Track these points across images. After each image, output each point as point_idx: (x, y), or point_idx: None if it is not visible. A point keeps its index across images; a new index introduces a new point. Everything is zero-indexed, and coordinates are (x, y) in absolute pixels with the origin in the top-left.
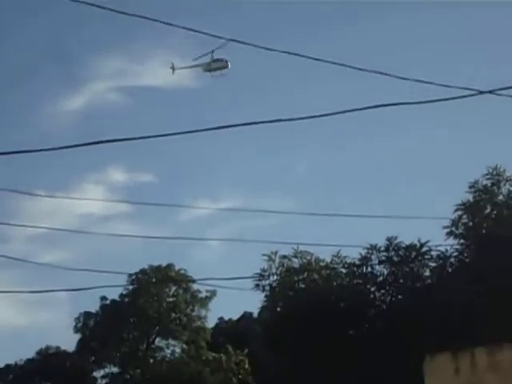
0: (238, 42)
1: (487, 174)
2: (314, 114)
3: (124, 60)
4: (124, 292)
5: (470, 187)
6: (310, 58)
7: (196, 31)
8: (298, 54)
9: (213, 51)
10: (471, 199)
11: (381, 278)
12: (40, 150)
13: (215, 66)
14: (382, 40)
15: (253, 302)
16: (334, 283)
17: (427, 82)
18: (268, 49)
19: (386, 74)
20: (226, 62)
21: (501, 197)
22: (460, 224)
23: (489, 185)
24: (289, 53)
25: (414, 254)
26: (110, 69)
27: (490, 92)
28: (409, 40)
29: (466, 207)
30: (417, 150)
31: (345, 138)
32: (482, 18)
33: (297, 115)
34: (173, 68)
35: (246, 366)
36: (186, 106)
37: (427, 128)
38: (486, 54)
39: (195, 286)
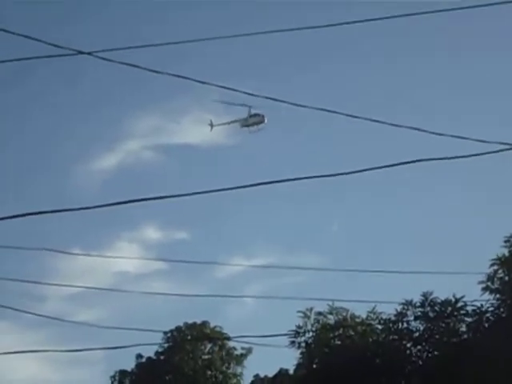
0: (272, 99)
1: None
2: (346, 170)
3: (159, 118)
4: (159, 350)
5: (506, 241)
6: (344, 114)
7: (231, 89)
8: (331, 111)
9: (250, 106)
10: (506, 253)
11: (417, 334)
12: (75, 209)
13: (252, 121)
14: (414, 95)
15: (288, 359)
16: (370, 339)
17: (463, 138)
18: (302, 105)
19: (422, 130)
20: (263, 116)
21: None
22: (496, 279)
23: None
24: (322, 109)
25: (449, 309)
26: (145, 127)
27: None
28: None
29: (501, 262)
30: (451, 205)
31: (378, 196)
32: None
33: (328, 172)
34: (211, 125)
35: None
36: (222, 163)
37: (461, 183)
38: None
39: (230, 344)
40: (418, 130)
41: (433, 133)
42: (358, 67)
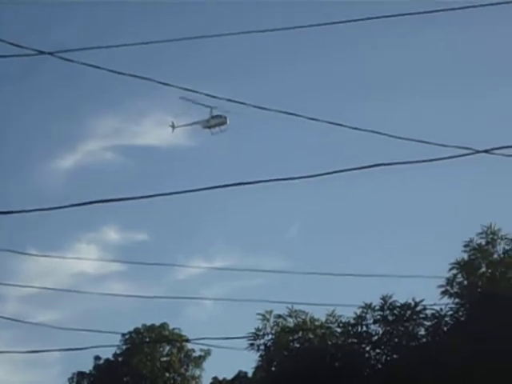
0: (234, 101)
1: (482, 233)
2: (308, 174)
3: (120, 119)
4: (118, 351)
5: (465, 246)
6: (304, 117)
7: (192, 91)
8: (291, 113)
9: (212, 107)
10: (466, 258)
11: (376, 337)
12: (34, 210)
13: (214, 122)
14: (375, 100)
15: (247, 362)
16: (329, 342)
17: (423, 142)
18: (265, 108)
19: (382, 134)
20: (225, 118)
21: (496, 255)
22: (455, 283)
23: (484, 243)
24: (285, 112)
25: (408, 312)
26: (106, 128)
27: (486, 151)
28: (403, 97)
29: (460, 266)
30: (410, 208)
31: (337, 198)
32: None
33: (291, 175)
34: (173, 126)
35: None
36: (182, 165)
37: (422, 186)
38: (480, 112)
39: (189, 346)
40: (378, 133)
41: (393, 136)
42: (320, 69)
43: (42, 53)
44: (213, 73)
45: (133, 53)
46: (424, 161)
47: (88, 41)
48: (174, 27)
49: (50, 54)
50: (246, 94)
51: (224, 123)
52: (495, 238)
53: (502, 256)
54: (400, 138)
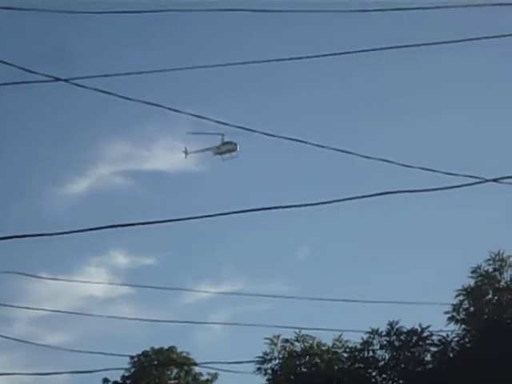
0: (243, 128)
1: (489, 260)
2: (317, 200)
3: (130, 144)
4: (126, 374)
5: (472, 272)
6: (315, 145)
7: (203, 117)
8: (303, 141)
9: (223, 134)
10: (473, 284)
11: (382, 363)
12: (44, 235)
13: (225, 148)
14: (385, 127)
15: None
16: (336, 367)
17: (432, 170)
18: (273, 135)
19: (391, 162)
20: (236, 144)
21: (503, 282)
22: (461, 309)
23: (491, 270)
24: (295, 140)
25: (415, 338)
26: (115, 153)
27: (495, 180)
28: (413, 125)
29: (467, 292)
30: (419, 235)
31: (346, 224)
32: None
33: (300, 202)
34: (186, 152)
35: None
36: (192, 190)
37: (430, 213)
38: (491, 142)
39: (197, 369)
40: (388, 161)
41: (402, 164)
42: (330, 96)
43: (57, 79)
44: (223, 93)
45: (143, 77)
46: (433, 189)
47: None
48: (189, 48)
49: (66, 80)
50: (257, 115)
51: (234, 150)
52: (503, 264)
53: (508, 283)
54: (409, 166)
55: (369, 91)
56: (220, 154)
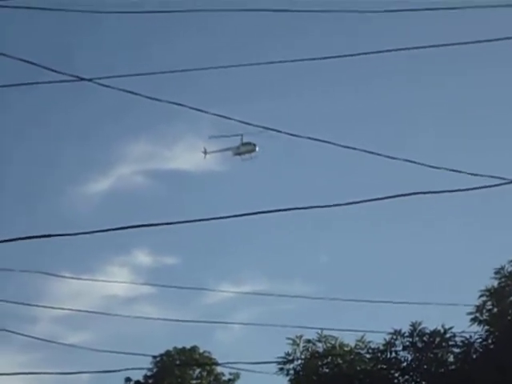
0: (267, 128)
1: None
2: (339, 201)
3: (152, 144)
4: (148, 374)
5: (496, 273)
6: (339, 145)
7: (226, 117)
8: (325, 141)
9: (242, 135)
10: (496, 285)
11: (405, 364)
12: (67, 235)
13: (244, 149)
14: (409, 126)
15: None
16: (358, 368)
17: (456, 171)
18: (297, 136)
19: (415, 162)
20: (254, 145)
21: None
22: (484, 310)
23: None
24: (318, 140)
25: (438, 339)
26: (137, 152)
27: None
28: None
29: (490, 293)
30: (441, 235)
31: (367, 226)
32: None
33: (320, 202)
34: (205, 152)
35: None
36: (214, 190)
37: (453, 214)
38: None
39: (219, 369)
40: (414, 162)
41: (428, 166)
42: (357, 97)
43: (82, 79)
44: (245, 95)
45: (165, 78)
46: (457, 190)
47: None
48: (212, 49)
49: (90, 80)
50: (279, 117)
51: (253, 150)
52: None
53: None
54: (433, 167)
55: (395, 92)
56: (239, 154)
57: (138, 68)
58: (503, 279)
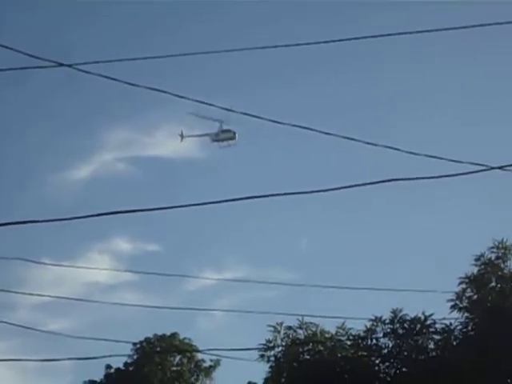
0: (245, 114)
1: (493, 248)
2: (318, 188)
3: (133, 131)
4: (129, 361)
5: (476, 260)
6: (317, 131)
7: (207, 103)
8: (307, 128)
9: (221, 121)
10: (476, 272)
11: (385, 351)
12: (47, 221)
13: (223, 136)
14: (390, 113)
15: (257, 373)
16: (339, 355)
17: (437, 157)
18: (276, 122)
19: (395, 149)
20: (234, 133)
21: (506, 270)
22: (464, 297)
23: (494, 258)
24: (298, 126)
25: (418, 326)
26: (118, 139)
27: (500, 168)
28: (417, 115)
29: (470, 280)
30: (422, 223)
31: (347, 213)
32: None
33: (300, 189)
34: (181, 136)
35: None
36: (195, 177)
37: (434, 200)
38: (497, 129)
39: (199, 356)
40: (394, 148)
41: (406, 151)
42: (335, 84)
43: (61, 65)
44: (226, 86)
45: (147, 64)
46: (438, 176)
47: (96, 50)
48: (188, 40)
49: (69, 66)
50: (258, 108)
51: (233, 138)
52: (506, 252)
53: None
54: (413, 153)
55: (374, 79)
56: (218, 141)
57: (129, 55)
58: (483, 266)
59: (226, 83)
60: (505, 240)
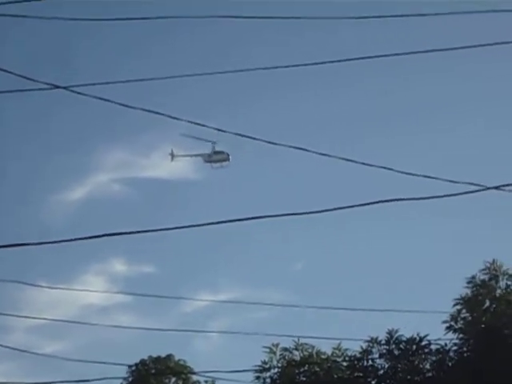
0: (240, 135)
1: (484, 269)
2: (314, 209)
3: (128, 152)
4: (124, 383)
5: (468, 282)
6: (315, 152)
7: (201, 125)
8: (304, 149)
9: (214, 142)
10: (469, 293)
11: (381, 371)
12: (43, 243)
13: (216, 157)
14: (385, 135)
15: None
16: (335, 376)
17: (433, 178)
18: (274, 143)
19: (390, 169)
20: (228, 155)
21: (499, 291)
22: (459, 318)
23: (486, 279)
24: (295, 147)
25: (414, 347)
26: (114, 160)
27: (496, 188)
28: (413, 133)
29: (464, 301)
30: (418, 243)
31: (344, 234)
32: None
33: (294, 210)
34: (172, 155)
35: None
36: (191, 198)
37: (429, 221)
38: (494, 149)
39: (195, 377)
40: (388, 169)
41: (401, 172)
42: (328, 103)
43: (57, 87)
44: (219, 106)
45: (141, 86)
46: (433, 197)
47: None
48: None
49: (65, 88)
50: (255, 125)
51: (226, 159)
52: (498, 273)
53: (504, 292)
54: (409, 173)
55: (369, 98)
56: (211, 162)
57: (115, 77)
58: (476, 288)
59: (220, 103)
60: (496, 261)
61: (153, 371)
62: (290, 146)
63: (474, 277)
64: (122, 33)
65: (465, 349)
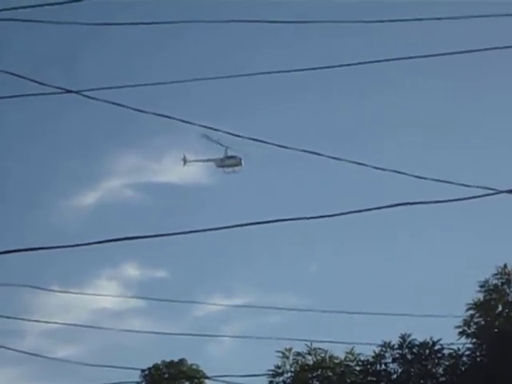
0: (254, 140)
1: (497, 274)
2: (328, 213)
3: (141, 157)
4: None
5: (481, 286)
6: (328, 156)
7: (213, 129)
8: (317, 153)
9: (227, 147)
10: (482, 298)
11: (395, 376)
12: (55, 247)
13: (228, 162)
14: (397, 139)
15: None
16: (348, 380)
17: (444, 181)
18: (283, 146)
19: (403, 173)
20: (240, 159)
21: (511, 295)
22: (472, 323)
23: (499, 284)
24: (308, 151)
25: (427, 351)
26: (126, 165)
27: (509, 192)
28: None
29: (477, 306)
30: (431, 247)
31: (356, 238)
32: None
33: (308, 214)
34: (184, 160)
35: None
36: (203, 203)
37: (440, 228)
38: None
39: (208, 382)
40: (402, 173)
41: (414, 176)
42: (341, 107)
43: (69, 91)
44: (229, 111)
45: (153, 90)
46: (446, 201)
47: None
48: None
49: (77, 92)
50: (262, 132)
51: (238, 164)
52: (510, 278)
53: None
54: (421, 177)
55: (380, 102)
56: (223, 166)
57: (126, 82)
58: (488, 292)
59: (232, 107)
60: (508, 266)
61: (166, 376)
62: (303, 150)
63: (486, 281)
64: (134, 35)
65: (478, 353)
